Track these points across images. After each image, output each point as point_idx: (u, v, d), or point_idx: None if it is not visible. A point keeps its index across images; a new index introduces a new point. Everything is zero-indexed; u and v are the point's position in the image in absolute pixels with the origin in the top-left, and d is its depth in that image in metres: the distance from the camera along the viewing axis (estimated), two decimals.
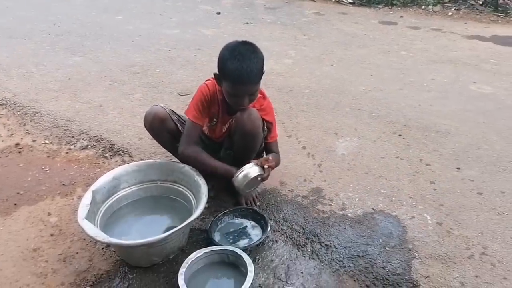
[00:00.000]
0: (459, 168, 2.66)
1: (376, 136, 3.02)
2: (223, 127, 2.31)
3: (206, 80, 2.23)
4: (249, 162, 2.10)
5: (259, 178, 2.10)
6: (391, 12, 6.90)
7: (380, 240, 2.09)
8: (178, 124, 2.29)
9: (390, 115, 3.34)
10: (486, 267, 1.94)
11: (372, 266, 1.95)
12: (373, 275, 1.91)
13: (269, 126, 2.25)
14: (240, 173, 2.07)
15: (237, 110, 2.10)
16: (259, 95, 2.23)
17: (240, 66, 1.94)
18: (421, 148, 2.89)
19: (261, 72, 2.04)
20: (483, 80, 4.13)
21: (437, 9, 6.89)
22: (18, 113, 3.33)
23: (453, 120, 3.27)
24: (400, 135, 3.04)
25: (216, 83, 2.17)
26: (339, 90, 3.80)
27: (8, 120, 3.24)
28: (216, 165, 2.19)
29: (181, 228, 1.83)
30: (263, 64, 2.05)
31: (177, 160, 2.37)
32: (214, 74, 2.11)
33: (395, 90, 3.85)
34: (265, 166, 2.09)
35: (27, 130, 3.09)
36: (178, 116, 2.33)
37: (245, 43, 2.05)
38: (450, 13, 6.74)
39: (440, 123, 3.23)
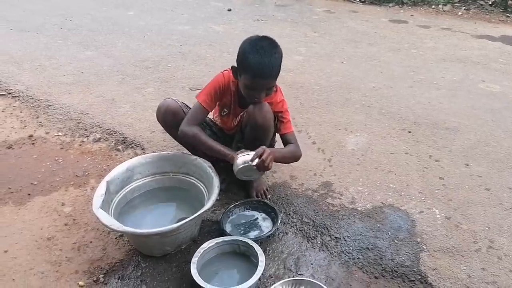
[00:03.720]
0: (467, 164, 2.68)
1: (385, 132, 3.04)
2: (234, 119, 2.34)
3: (223, 70, 2.25)
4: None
5: (254, 167, 2.02)
6: (402, 10, 6.90)
7: (389, 233, 2.11)
8: None
9: (400, 112, 3.35)
10: (493, 260, 1.97)
11: (381, 258, 1.98)
12: (382, 267, 1.94)
13: (279, 117, 2.25)
14: (239, 158, 2.03)
15: (251, 103, 2.12)
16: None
17: (262, 60, 1.97)
18: (431, 144, 2.90)
19: (280, 68, 2.06)
20: (492, 79, 4.14)
21: (447, 9, 6.88)
22: (31, 105, 3.37)
23: (462, 118, 3.29)
24: (409, 132, 3.06)
25: (231, 75, 2.19)
26: (349, 87, 3.82)
27: (21, 112, 3.28)
28: (213, 145, 2.15)
29: (193, 218, 1.86)
30: (282, 60, 2.07)
31: (189, 152, 2.40)
32: (232, 67, 2.13)
33: (405, 87, 3.86)
34: (261, 158, 2.00)
35: (40, 122, 3.14)
36: (190, 109, 2.35)
37: (266, 38, 2.08)
38: (460, 13, 6.73)
39: (449, 120, 3.24)
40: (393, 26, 6.00)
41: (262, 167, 2.02)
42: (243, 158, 2.03)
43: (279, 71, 2.07)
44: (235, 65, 2.12)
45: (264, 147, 2.06)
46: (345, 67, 4.34)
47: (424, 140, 2.95)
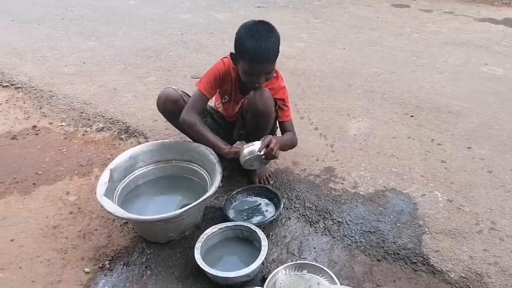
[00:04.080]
0: (470, 148, 2.68)
1: (388, 117, 3.04)
2: (235, 106, 2.34)
3: (223, 57, 2.25)
4: (258, 140, 2.08)
5: (263, 157, 2.05)
6: None
7: (391, 217, 2.12)
8: None
9: (402, 97, 3.35)
10: (494, 241, 1.97)
11: (383, 241, 1.99)
12: (384, 250, 1.95)
13: (279, 104, 2.25)
14: (245, 148, 2.05)
15: (252, 88, 2.13)
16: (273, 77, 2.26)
17: (258, 45, 1.97)
18: (433, 128, 2.90)
19: (277, 52, 2.06)
20: (495, 62, 4.12)
21: None
22: (34, 96, 3.40)
23: (464, 101, 3.27)
24: (412, 116, 3.05)
25: (231, 62, 2.19)
26: (351, 73, 3.81)
27: (24, 103, 3.31)
28: (209, 137, 2.17)
29: (196, 204, 1.87)
30: (279, 43, 2.07)
31: (191, 140, 2.41)
32: (231, 54, 2.14)
33: (407, 72, 3.85)
34: (269, 147, 2.02)
35: (44, 113, 3.16)
36: (190, 97, 2.35)
37: (262, 23, 2.08)
38: None
39: (452, 104, 3.23)
40: (395, 11, 5.96)
41: (270, 156, 2.05)
42: (249, 148, 2.05)
43: (277, 55, 2.07)
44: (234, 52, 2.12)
45: (270, 136, 2.09)
46: (347, 53, 4.32)
47: (426, 124, 2.95)
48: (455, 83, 3.63)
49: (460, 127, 2.92)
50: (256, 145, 2.05)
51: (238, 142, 2.12)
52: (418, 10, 5.99)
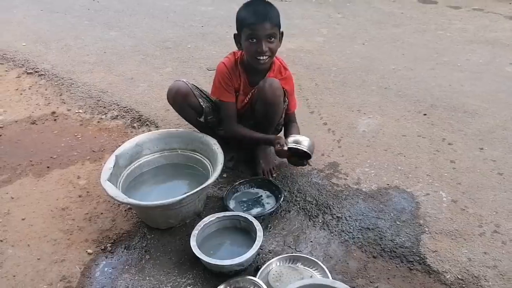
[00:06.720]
0: (482, 148, 2.61)
1: (399, 115, 3.00)
2: (244, 98, 2.36)
3: (224, 58, 2.29)
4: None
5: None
6: None
7: (392, 215, 2.11)
8: (200, 100, 2.35)
9: (418, 94, 3.29)
10: (496, 245, 1.93)
11: (381, 238, 1.98)
12: (381, 247, 1.95)
13: (288, 94, 2.30)
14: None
15: (257, 63, 2.15)
16: (281, 66, 2.28)
17: (255, 8, 2.07)
18: (446, 127, 2.84)
19: (278, 18, 2.12)
20: None
21: None
22: (56, 83, 3.51)
23: (483, 101, 3.18)
24: (425, 114, 2.99)
25: (233, 58, 2.24)
26: (367, 69, 3.76)
27: (46, 90, 3.43)
28: (258, 136, 2.31)
29: (195, 192, 1.92)
30: (279, 15, 2.13)
31: (198, 130, 2.46)
32: (234, 35, 2.19)
33: (426, 69, 3.77)
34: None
35: (63, 99, 3.27)
36: (201, 91, 2.39)
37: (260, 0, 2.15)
38: None
39: (469, 103, 3.15)
40: (421, 7, 5.82)
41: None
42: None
43: (279, 21, 2.12)
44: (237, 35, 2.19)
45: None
46: (366, 49, 4.26)
47: (439, 123, 2.89)
48: (475, 82, 3.53)
49: (474, 127, 2.84)
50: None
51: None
52: (446, 6, 5.83)
